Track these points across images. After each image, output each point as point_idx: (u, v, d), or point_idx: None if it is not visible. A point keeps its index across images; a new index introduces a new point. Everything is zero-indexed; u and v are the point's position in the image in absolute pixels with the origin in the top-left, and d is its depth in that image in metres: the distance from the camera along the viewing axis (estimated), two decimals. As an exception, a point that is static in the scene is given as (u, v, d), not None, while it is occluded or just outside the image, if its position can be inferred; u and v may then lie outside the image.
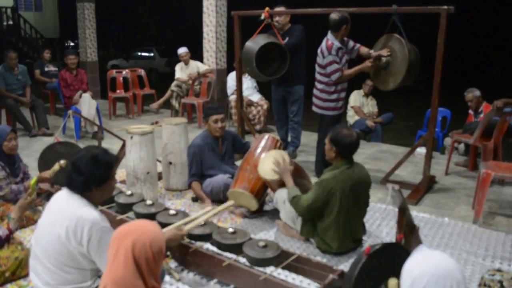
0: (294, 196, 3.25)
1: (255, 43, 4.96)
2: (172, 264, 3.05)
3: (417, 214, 4.00)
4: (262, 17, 5.01)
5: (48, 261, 2.27)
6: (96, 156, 2.26)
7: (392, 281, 1.76)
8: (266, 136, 4.03)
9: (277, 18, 5.34)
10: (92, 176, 2.23)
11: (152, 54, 20.52)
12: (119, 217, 3.39)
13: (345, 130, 3.19)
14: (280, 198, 3.53)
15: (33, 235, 2.44)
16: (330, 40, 4.52)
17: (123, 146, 4.39)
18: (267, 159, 3.60)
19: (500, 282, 2.47)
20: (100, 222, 2.19)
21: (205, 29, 7.83)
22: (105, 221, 2.25)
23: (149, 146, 4.12)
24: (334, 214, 3.13)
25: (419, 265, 1.48)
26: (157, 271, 1.65)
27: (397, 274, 1.57)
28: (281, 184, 3.52)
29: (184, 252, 2.96)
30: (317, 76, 4.69)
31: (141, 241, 1.60)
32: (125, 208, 3.50)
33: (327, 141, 3.24)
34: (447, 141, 6.03)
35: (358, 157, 5.85)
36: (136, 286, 1.56)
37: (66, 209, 2.23)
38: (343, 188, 3.10)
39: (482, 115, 5.45)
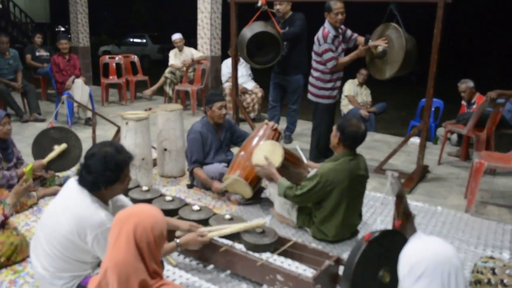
0: (287, 187, 3.21)
1: (250, 30, 4.93)
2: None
3: (410, 202, 3.96)
4: (259, 4, 4.97)
5: (49, 249, 2.26)
6: (107, 156, 2.18)
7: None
8: (265, 125, 4.02)
9: (277, 6, 5.30)
10: (101, 177, 2.18)
11: (144, 41, 20.33)
12: (115, 202, 3.37)
13: (354, 120, 3.18)
14: (274, 191, 3.54)
15: (40, 218, 2.43)
16: (326, 28, 4.51)
17: (118, 132, 4.36)
18: (260, 151, 3.58)
19: (493, 269, 2.51)
20: (107, 223, 2.12)
21: (199, 15, 7.76)
22: (111, 221, 2.21)
23: (144, 132, 4.10)
24: (332, 205, 3.14)
25: (417, 251, 1.49)
26: (158, 255, 1.65)
27: (396, 260, 1.59)
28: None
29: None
30: (313, 64, 4.69)
31: (142, 224, 1.60)
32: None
33: (335, 127, 3.24)
34: (440, 131, 6.08)
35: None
36: (137, 269, 1.56)
37: (74, 205, 2.21)
38: (343, 181, 3.08)
39: (475, 106, 5.49)
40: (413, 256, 1.49)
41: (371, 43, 4.46)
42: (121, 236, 1.59)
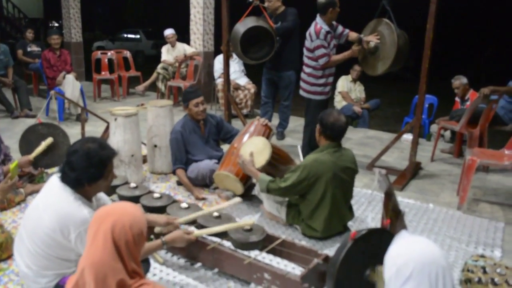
0: (269, 181, 3.19)
1: (243, 25, 4.88)
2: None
3: (402, 199, 4.00)
4: (251, -1, 4.92)
5: (32, 247, 2.21)
6: (90, 152, 2.12)
7: (381, 268, 1.74)
8: (257, 121, 3.97)
9: (266, 3, 5.24)
10: (84, 173, 2.12)
11: (138, 36, 20.19)
12: (102, 200, 3.32)
13: (334, 112, 3.19)
14: None
15: (24, 214, 2.37)
16: (318, 23, 4.46)
17: (107, 128, 4.31)
18: (248, 147, 3.53)
19: (483, 267, 2.48)
20: (90, 221, 2.08)
21: (192, 10, 7.68)
22: None
23: (134, 128, 4.05)
24: (318, 197, 3.11)
25: (404, 252, 1.44)
26: (138, 254, 1.60)
27: (383, 259, 1.55)
28: (266, 172, 3.47)
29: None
30: (305, 60, 4.64)
31: (121, 222, 1.55)
32: (109, 190, 3.43)
33: (318, 122, 3.22)
34: (433, 128, 6.05)
35: (345, 142, 5.84)
36: (115, 269, 1.51)
37: (56, 202, 2.16)
38: (327, 171, 3.07)
39: (468, 103, 5.46)
40: (399, 257, 1.44)
41: (363, 38, 4.41)
42: (98, 234, 1.54)
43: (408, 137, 5.44)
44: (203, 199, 3.88)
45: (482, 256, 2.59)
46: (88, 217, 2.10)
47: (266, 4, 5.23)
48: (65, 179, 2.16)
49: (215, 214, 2.93)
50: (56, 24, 22.89)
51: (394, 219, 2.48)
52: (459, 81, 5.57)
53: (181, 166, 4.03)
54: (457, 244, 3.25)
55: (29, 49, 8.28)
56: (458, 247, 3.21)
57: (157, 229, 2.74)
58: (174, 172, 4.12)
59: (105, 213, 1.58)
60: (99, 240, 1.53)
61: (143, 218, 1.62)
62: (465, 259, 2.93)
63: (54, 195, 2.17)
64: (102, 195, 2.49)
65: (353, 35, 4.58)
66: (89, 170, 2.12)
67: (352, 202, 3.42)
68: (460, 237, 3.35)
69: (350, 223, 3.44)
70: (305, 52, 4.62)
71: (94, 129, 5.79)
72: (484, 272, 2.47)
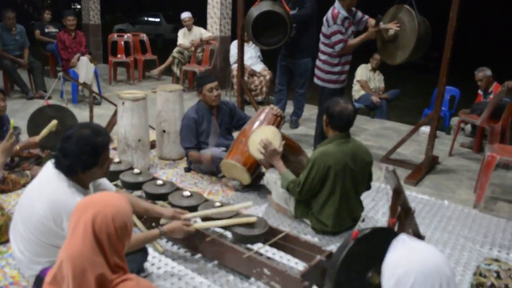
0: (291, 181, 3.08)
1: (257, 9, 4.72)
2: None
3: (416, 195, 3.85)
4: (267, -18, 4.74)
5: (26, 233, 2.16)
6: (83, 139, 2.04)
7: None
8: (267, 109, 3.85)
9: None
10: (77, 161, 2.04)
11: (158, 20, 20.12)
12: (105, 185, 3.26)
13: (341, 101, 3.05)
14: (271, 179, 3.39)
15: (19, 199, 2.33)
16: (336, 8, 4.28)
17: (116, 112, 4.24)
18: (258, 136, 3.41)
19: (497, 272, 2.33)
20: None
21: (209, -6, 7.55)
22: None
23: (141, 112, 3.97)
24: (328, 189, 2.99)
25: (404, 261, 1.31)
26: (121, 248, 1.51)
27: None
28: None
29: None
30: (321, 47, 4.47)
31: (102, 214, 1.45)
32: (112, 175, 3.35)
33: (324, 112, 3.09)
34: (454, 121, 5.83)
35: (360, 133, 5.72)
36: (95, 263, 1.42)
37: (49, 190, 2.10)
38: (336, 163, 2.94)
39: (491, 96, 5.23)
40: (399, 266, 1.31)
41: (382, 25, 4.22)
42: (78, 226, 1.45)
43: (426, 129, 5.24)
44: (222, 178, 3.83)
45: (496, 260, 2.45)
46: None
47: None
48: (58, 165, 2.09)
49: (217, 204, 2.83)
50: (78, 6, 22.96)
51: (404, 217, 2.35)
52: (483, 73, 5.33)
53: (194, 147, 3.90)
54: (471, 244, 3.09)
55: (46, 30, 8.25)
56: (472, 247, 3.05)
57: (162, 221, 2.67)
58: (187, 155, 4.01)
59: (86, 204, 1.49)
60: (79, 232, 1.44)
61: (128, 210, 1.53)
62: (478, 261, 2.78)
63: (48, 182, 2.11)
64: (103, 180, 2.41)
65: (372, 21, 4.38)
66: (82, 158, 2.04)
67: (363, 195, 3.29)
68: (474, 237, 3.19)
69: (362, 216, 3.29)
70: (321, 38, 4.46)
71: (106, 112, 5.74)
72: (498, 277, 2.33)
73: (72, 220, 1.49)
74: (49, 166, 2.18)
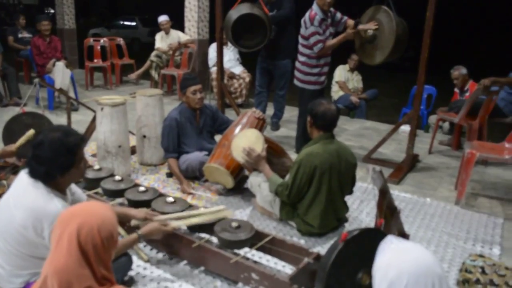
0: (278, 185, 3.06)
1: (236, 12, 4.70)
2: (141, 244, 2.88)
3: (398, 194, 3.88)
4: (245, -16, 4.73)
5: (4, 245, 2.08)
6: (55, 142, 1.99)
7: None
8: (250, 112, 3.84)
9: None
10: (53, 165, 1.99)
11: (134, 23, 19.85)
12: (86, 193, 3.17)
13: (324, 102, 3.08)
14: (255, 182, 3.37)
15: None
16: (314, 10, 4.30)
17: (94, 118, 4.15)
18: (240, 139, 3.38)
19: (482, 268, 2.36)
20: None
21: (186, -3, 7.49)
22: None
23: (121, 118, 3.90)
24: (314, 190, 2.99)
25: (394, 263, 1.30)
26: (108, 259, 1.47)
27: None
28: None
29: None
30: (300, 48, 4.48)
31: (88, 225, 1.41)
32: (93, 183, 3.30)
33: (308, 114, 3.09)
34: (432, 119, 5.92)
35: (341, 133, 5.75)
36: (81, 276, 1.37)
37: (27, 198, 2.02)
38: (322, 163, 2.95)
39: (468, 94, 5.32)
40: (390, 269, 1.30)
41: (360, 26, 4.25)
42: (63, 238, 1.40)
43: (405, 128, 5.31)
44: (190, 194, 3.74)
45: (481, 255, 2.48)
46: (61, 211, 1.97)
47: None
48: (34, 174, 2.02)
49: (202, 209, 2.79)
50: (52, 11, 22.55)
51: (389, 217, 2.36)
52: (458, 71, 5.42)
53: (174, 155, 3.88)
54: (454, 241, 3.13)
55: (20, 35, 8.06)
56: (456, 244, 3.09)
57: (133, 222, 2.61)
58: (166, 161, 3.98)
59: (70, 215, 1.45)
60: (63, 244, 1.39)
61: (114, 220, 1.48)
62: (463, 257, 2.82)
63: (24, 191, 2.03)
64: (76, 188, 2.35)
65: (351, 22, 4.42)
66: (58, 161, 1.98)
67: (347, 196, 3.29)
68: (458, 234, 3.23)
69: (344, 219, 3.31)
70: (300, 39, 4.47)
71: (84, 118, 5.63)
72: (483, 272, 2.35)
73: (56, 232, 1.44)
74: (23, 176, 2.11)
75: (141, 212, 2.57)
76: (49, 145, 1.97)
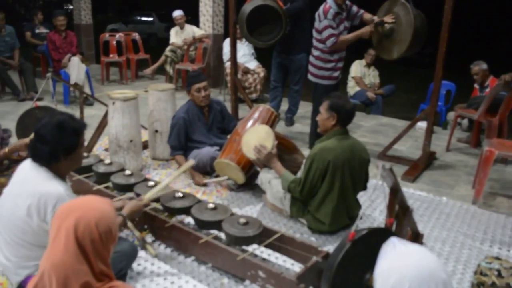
0: (291, 181, 3.01)
1: (250, 4, 4.64)
2: (149, 238, 2.87)
3: (413, 192, 3.79)
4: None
5: (9, 236, 2.08)
6: (61, 123, 2.01)
7: None
8: (261, 107, 3.78)
9: None
10: (59, 144, 1.99)
11: (151, 19, 19.95)
12: (96, 187, 3.18)
13: (343, 97, 3.05)
14: (265, 179, 3.32)
15: None
16: (328, 3, 4.21)
17: (107, 113, 4.15)
18: (250, 135, 3.34)
19: (498, 270, 2.27)
20: (66, 198, 1.96)
21: (202, -9, 7.46)
22: (71, 196, 2.03)
23: (132, 112, 3.88)
24: (327, 186, 2.92)
25: (396, 268, 1.23)
26: (106, 254, 1.44)
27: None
28: None
29: (160, 227, 2.76)
30: (314, 42, 4.41)
31: (85, 219, 1.38)
32: (104, 177, 3.29)
33: (324, 110, 3.01)
34: (450, 115, 5.77)
35: (356, 130, 5.66)
36: (79, 272, 1.34)
37: (29, 183, 2.02)
38: (336, 158, 2.88)
39: (488, 90, 5.17)
40: (392, 273, 1.23)
41: (376, 19, 4.15)
42: (60, 233, 1.37)
43: (422, 125, 5.18)
44: (204, 185, 3.72)
45: (498, 258, 2.38)
46: (64, 194, 1.99)
47: None
48: (38, 156, 2.02)
49: (211, 205, 2.75)
50: (71, 7, 22.78)
51: (402, 216, 2.28)
52: (479, 66, 5.27)
53: (180, 153, 3.87)
54: (470, 241, 3.03)
55: (37, 31, 8.14)
56: (472, 245, 2.99)
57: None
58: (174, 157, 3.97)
59: (68, 209, 1.42)
60: (60, 239, 1.36)
61: (112, 214, 1.45)
62: (478, 259, 2.72)
63: (26, 178, 2.04)
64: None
65: (367, 15, 4.32)
66: (64, 140, 2.00)
67: (361, 193, 3.22)
68: (474, 234, 3.13)
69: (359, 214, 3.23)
70: (314, 33, 4.39)
71: (99, 112, 5.64)
72: (499, 275, 2.26)
73: (53, 226, 1.41)
74: (24, 164, 2.12)
75: (118, 202, 2.55)
76: (55, 125, 1.99)
